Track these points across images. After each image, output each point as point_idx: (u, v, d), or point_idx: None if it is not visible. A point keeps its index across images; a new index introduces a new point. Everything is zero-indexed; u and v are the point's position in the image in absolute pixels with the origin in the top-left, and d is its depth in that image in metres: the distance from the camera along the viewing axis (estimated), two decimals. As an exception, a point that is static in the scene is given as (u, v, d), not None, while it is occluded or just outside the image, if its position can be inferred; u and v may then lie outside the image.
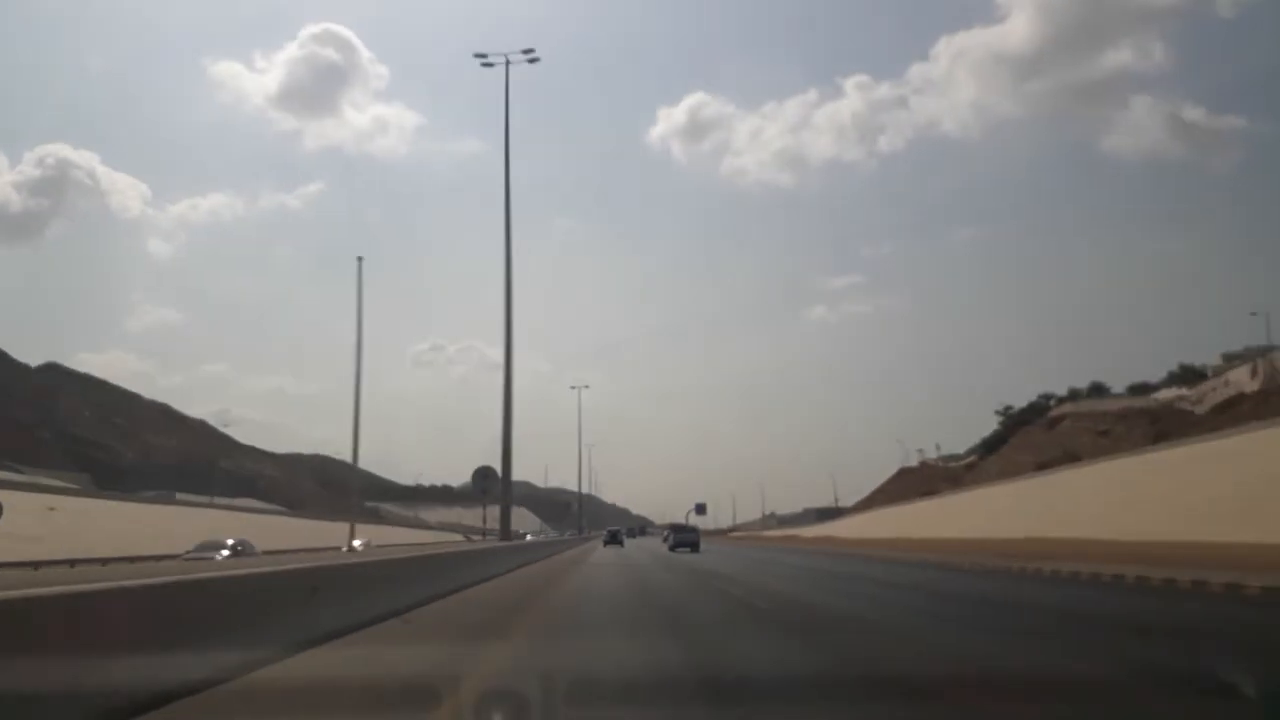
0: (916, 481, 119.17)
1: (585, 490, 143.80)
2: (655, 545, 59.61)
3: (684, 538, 47.36)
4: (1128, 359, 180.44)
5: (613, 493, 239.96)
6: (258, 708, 5.85)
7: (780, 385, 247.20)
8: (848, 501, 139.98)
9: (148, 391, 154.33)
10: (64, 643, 4.68)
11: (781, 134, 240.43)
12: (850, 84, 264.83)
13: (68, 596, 5.04)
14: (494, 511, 33.01)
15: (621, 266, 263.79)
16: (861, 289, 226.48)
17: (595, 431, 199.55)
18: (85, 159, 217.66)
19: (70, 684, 4.54)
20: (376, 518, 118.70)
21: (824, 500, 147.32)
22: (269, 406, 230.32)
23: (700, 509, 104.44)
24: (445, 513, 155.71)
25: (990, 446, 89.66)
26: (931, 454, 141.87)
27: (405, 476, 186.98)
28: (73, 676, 4.57)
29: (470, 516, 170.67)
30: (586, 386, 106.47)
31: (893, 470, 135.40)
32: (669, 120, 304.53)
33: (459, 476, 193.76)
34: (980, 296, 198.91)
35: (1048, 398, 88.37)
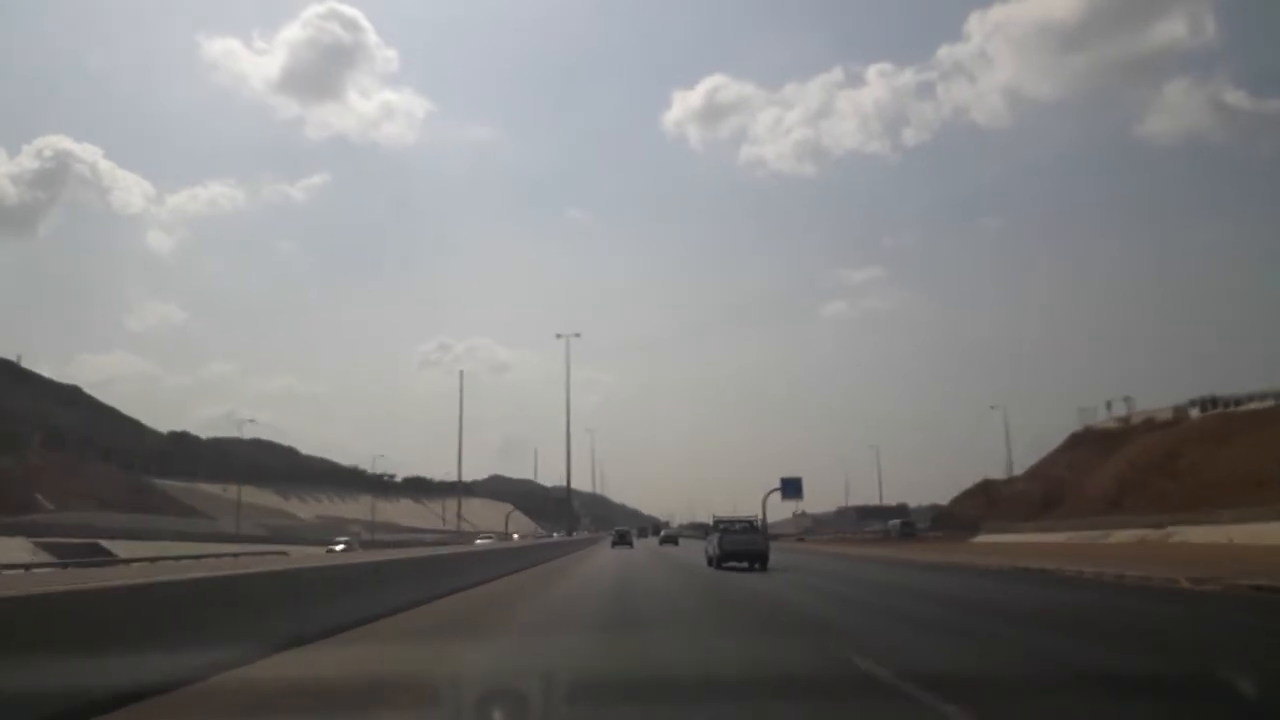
0: (1153, 455, 67.77)
1: (594, 490, 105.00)
2: (674, 554, 42.50)
3: (739, 544, 26.84)
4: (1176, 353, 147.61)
5: (623, 493, 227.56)
6: None
7: (796, 382, 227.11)
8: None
9: (153, 392, 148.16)
10: (32, 642, 4.78)
11: (803, 118, 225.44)
12: (874, 70, 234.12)
13: (36, 598, 5.22)
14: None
15: (634, 259, 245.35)
16: (883, 282, 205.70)
17: (605, 430, 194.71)
18: (88, 152, 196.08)
19: (34, 683, 4.65)
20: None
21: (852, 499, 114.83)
22: (277, 408, 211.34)
23: (790, 488, 54.88)
24: (403, 509, 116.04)
25: None
26: (1103, 413, 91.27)
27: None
28: (38, 676, 4.69)
29: (421, 515, 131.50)
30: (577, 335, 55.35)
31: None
32: (685, 104, 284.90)
33: (465, 476, 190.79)
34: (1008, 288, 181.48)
35: None
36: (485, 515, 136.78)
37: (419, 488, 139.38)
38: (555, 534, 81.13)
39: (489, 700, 5.72)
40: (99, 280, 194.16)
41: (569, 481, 56.51)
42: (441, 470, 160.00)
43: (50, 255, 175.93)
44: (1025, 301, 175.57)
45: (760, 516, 53.97)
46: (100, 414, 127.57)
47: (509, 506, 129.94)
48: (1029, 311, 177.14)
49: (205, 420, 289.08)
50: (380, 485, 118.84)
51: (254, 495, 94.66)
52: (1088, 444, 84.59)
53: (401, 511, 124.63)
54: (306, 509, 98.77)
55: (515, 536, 61.42)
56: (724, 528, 29.96)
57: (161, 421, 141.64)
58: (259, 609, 7.82)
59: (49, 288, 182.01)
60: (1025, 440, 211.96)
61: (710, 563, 27.37)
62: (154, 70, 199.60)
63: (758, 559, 26.05)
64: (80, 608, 5.36)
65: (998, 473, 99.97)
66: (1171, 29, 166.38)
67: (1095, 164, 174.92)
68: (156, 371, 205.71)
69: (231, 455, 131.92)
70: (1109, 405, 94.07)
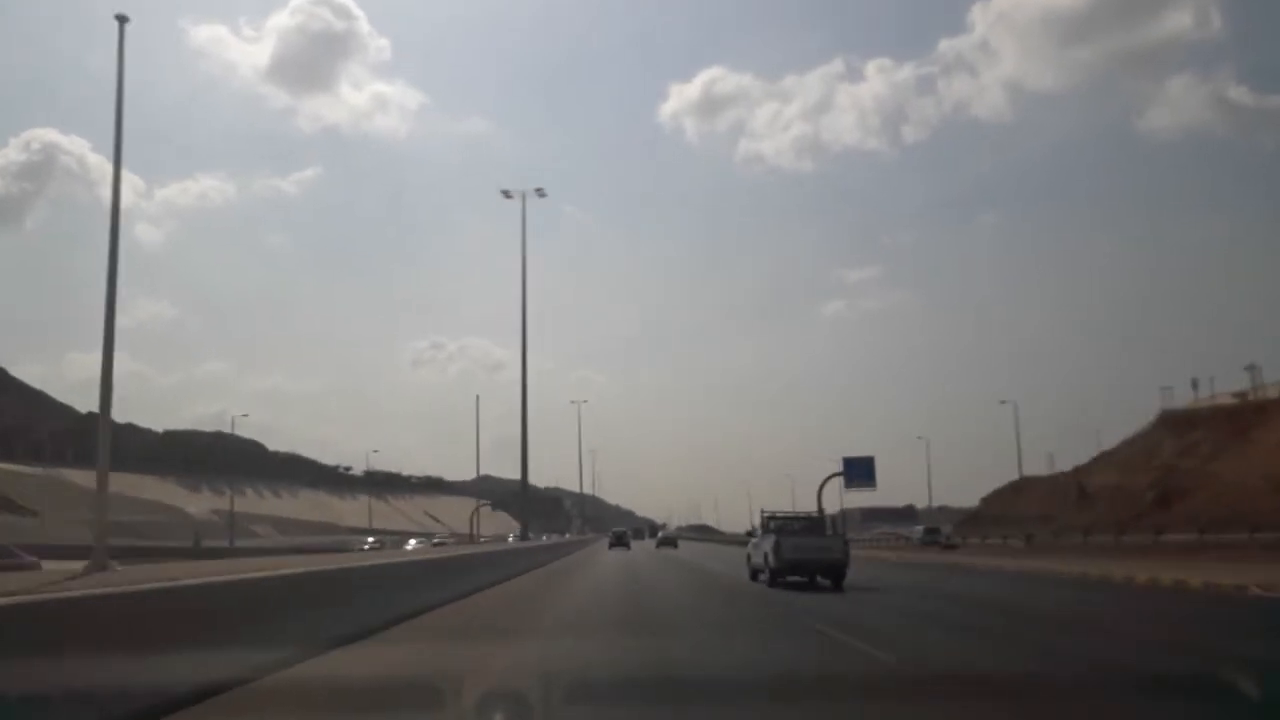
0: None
1: (586, 490, 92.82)
2: (686, 560, 36.48)
3: (807, 550, 20.09)
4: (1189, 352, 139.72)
5: (617, 494, 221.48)
6: None
7: (795, 381, 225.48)
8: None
9: (147, 391, 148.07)
10: (88, 644, 4.68)
11: (802, 112, 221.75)
12: (874, 64, 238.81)
13: (93, 599, 5.21)
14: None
15: (629, 255, 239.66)
16: (881, 280, 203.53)
17: (599, 430, 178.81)
18: (75, 145, 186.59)
19: (91, 685, 4.54)
20: None
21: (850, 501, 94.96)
22: (271, 406, 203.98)
23: (857, 471, 38.44)
24: (360, 507, 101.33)
25: None
26: (1182, 396, 75.04)
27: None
28: (94, 677, 4.57)
29: (347, 510, 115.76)
30: (541, 192, 39.25)
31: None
32: (682, 96, 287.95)
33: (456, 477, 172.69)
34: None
35: None
36: (464, 514, 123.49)
37: (385, 483, 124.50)
38: (511, 536, 63.87)
39: None
40: (87, 275, 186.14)
41: (524, 457, 39.44)
42: (429, 469, 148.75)
43: (37, 249, 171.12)
44: (1025, 299, 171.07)
45: (821, 511, 37.62)
46: (22, 397, 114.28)
47: (490, 510, 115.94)
48: (1029, 309, 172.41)
49: (198, 418, 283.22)
50: (336, 479, 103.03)
51: (150, 487, 78.24)
52: (1201, 426, 68.28)
53: (355, 510, 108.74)
54: (221, 503, 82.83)
55: (371, 541, 53.04)
56: (779, 525, 21.85)
57: (157, 421, 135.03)
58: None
59: (35, 282, 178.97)
60: (1031, 436, 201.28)
61: (755, 575, 21.71)
62: (141, 58, 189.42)
63: (831, 572, 19.62)
64: (129, 609, 5.30)
65: (1011, 473, 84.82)
66: (1177, 21, 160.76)
67: (1095, 157, 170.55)
68: (147, 370, 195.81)
69: (178, 445, 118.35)
70: (1195, 384, 78.37)
